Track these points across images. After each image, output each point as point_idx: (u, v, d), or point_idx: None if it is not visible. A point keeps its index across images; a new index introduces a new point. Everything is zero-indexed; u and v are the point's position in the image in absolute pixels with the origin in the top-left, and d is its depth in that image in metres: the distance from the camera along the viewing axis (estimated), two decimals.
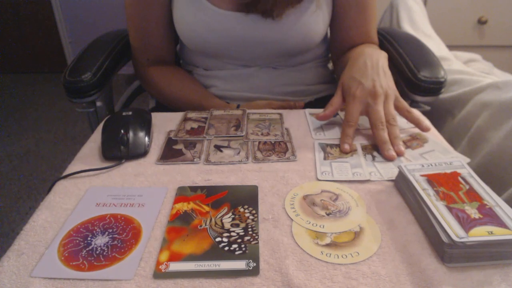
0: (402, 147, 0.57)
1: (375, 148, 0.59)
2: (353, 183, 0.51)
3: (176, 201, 0.48)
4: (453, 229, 0.38)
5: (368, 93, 0.61)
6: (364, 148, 0.59)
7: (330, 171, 0.54)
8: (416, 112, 0.64)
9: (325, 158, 0.56)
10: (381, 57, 0.67)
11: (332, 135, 0.63)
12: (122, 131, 0.58)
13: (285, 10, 0.71)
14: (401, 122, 0.65)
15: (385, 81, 0.63)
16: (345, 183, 0.51)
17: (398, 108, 0.63)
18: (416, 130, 0.63)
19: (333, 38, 0.84)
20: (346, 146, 0.58)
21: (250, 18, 0.73)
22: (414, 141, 0.60)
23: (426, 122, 0.63)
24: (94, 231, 0.43)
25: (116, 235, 0.43)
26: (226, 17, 0.73)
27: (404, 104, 0.63)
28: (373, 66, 0.64)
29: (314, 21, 0.75)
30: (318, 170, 0.54)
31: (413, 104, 0.78)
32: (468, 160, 0.53)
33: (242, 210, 0.46)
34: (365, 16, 0.79)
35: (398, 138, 0.58)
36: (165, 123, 0.66)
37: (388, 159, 0.56)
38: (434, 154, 0.56)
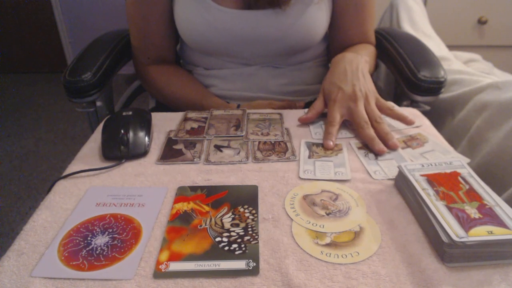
0: (396, 140, 0.58)
1: None
2: (353, 182, 0.51)
3: (176, 201, 0.48)
4: (453, 229, 0.38)
5: (348, 97, 0.62)
6: (365, 148, 0.59)
7: (312, 169, 0.54)
8: (398, 109, 0.65)
9: (309, 157, 0.57)
10: (361, 62, 0.68)
11: None
12: (122, 131, 0.58)
13: None
14: (401, 123, 0.65)
15: (365, 85, 0.64)
16: (346, 182, 0.51)
17: (380, 108, 0.64)
18: (416, 131, 0.63)
19: (332, 37, 0.85)
20: (330, 142, 0.59)
21: (253, 15, 0.73)
22: (414, 141, 0.60)
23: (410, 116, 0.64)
24: (94, 231, 0.43)
25: (116, 235, 0.43)
26: (228, 15, 0.73)
27: (385, 103, 0.64)
28: (353, 71, 0.66)
29: (316, 15, 0.75)
30: (301, 168, 0.54)
31: (413, 104, 0.78)
32: (468, 160, 0.53)
33: (242, 210, 0.46)
34: (363, 16, 0.80)
35: (389, 134, 0.59)
36: (165, 123, 0.66)
37: (380, 153, 0.57)
38: (434, 154, 0.56)
